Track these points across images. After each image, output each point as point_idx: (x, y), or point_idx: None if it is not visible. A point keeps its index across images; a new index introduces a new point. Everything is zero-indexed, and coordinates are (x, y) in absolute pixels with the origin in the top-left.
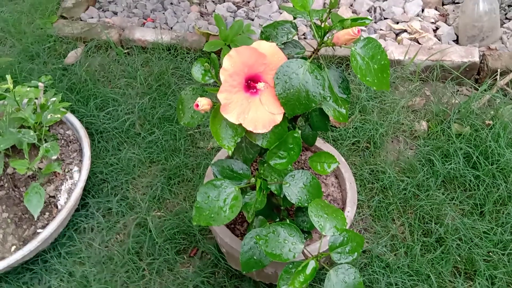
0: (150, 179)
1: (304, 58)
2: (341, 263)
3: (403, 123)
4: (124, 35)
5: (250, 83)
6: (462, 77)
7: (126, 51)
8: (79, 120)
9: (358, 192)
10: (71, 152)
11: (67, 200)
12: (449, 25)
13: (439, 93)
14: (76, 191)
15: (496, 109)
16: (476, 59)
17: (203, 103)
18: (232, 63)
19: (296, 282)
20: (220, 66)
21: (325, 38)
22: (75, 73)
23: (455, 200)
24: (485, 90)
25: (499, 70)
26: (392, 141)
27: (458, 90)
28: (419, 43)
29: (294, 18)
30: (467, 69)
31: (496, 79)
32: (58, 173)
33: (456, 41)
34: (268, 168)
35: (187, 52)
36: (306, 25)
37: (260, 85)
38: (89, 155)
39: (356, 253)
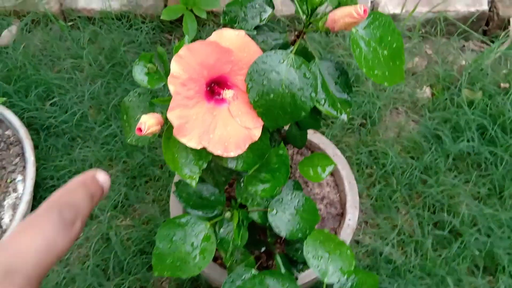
0: (111, 181)
1: (286, 45)
2: None
3: (402, 91)
4: (65, 5)
5: (215, 88)
6: (468, 30)
7: (69, 24)
8: (19, 116)
9: (355, 180)
10: (13, 157)
11: (13, 217)
12: None
13: (443, 51)
14: (21, 207)
15: (510, 68)
16: (485, 7)
17: (150, 123)
18: (184, 67)
19: None
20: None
21: (313, 17)
22: (10, 57)
23: (469, 184)
24: (496, 44)
25: (511, 19)
26: (391, 114)
27: (464, 45)
28: None
29: None
30: (474, 20)
31: (508, 30)
32: None
33: None
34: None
35: (143, 21)
36: None
37: (227, 94)
38: (33, 160)
39: None
